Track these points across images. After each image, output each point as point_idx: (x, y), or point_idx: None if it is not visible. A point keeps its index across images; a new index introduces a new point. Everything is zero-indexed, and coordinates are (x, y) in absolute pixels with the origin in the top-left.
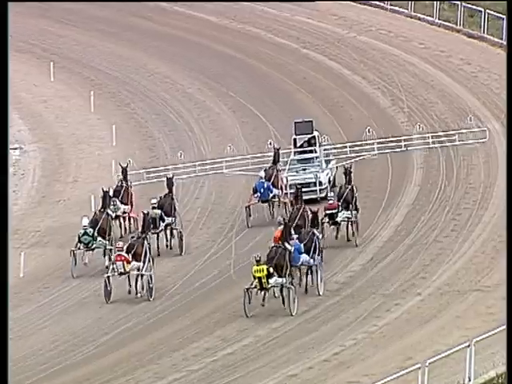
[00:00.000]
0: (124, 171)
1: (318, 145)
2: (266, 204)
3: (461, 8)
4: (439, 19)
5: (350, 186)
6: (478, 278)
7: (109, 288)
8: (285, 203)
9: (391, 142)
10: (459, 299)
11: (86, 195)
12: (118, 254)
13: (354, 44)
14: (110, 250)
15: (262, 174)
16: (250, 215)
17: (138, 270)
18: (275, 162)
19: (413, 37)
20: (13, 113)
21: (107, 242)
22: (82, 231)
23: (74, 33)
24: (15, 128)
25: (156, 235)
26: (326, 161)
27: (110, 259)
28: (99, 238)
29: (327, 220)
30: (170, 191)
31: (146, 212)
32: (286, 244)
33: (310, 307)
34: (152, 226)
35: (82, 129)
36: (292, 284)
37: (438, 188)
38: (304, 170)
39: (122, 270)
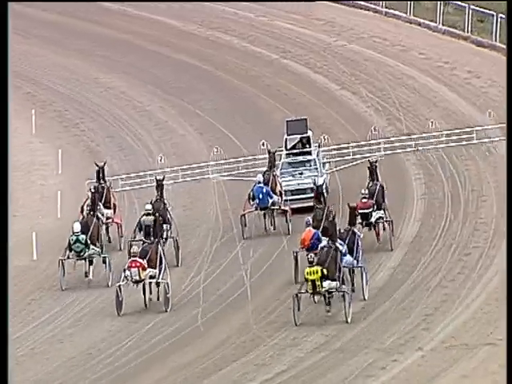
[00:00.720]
0: (101, 171)
1: (312, 146)
2: (261, 212)
3: (468, 11)
4: (443, 25)
5: (378, 183)
6: (489, 330)
7: (120, 298)
8: (285, 211)
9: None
10: (467, 355)
11: (27, 233)
12: (133, 260)
13: (344, 54)
14: (106, 258)
15: (260, 178)
16: (245, 225)
17: (154, 277)
18: (271, 166)
19: (412, 45)
20: None
21: (99, 250)
22: (74, 238)
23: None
24: None
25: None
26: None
27: (110, 268)
28: (92, 246)
29: (359, 221)
30: (162, 195)
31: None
32: (338, 244)
33: (290, 366)
34: (145, 234)
35: (21, 154)
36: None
37: (442, 222)
38: (300, 174)
39: (138, 278)
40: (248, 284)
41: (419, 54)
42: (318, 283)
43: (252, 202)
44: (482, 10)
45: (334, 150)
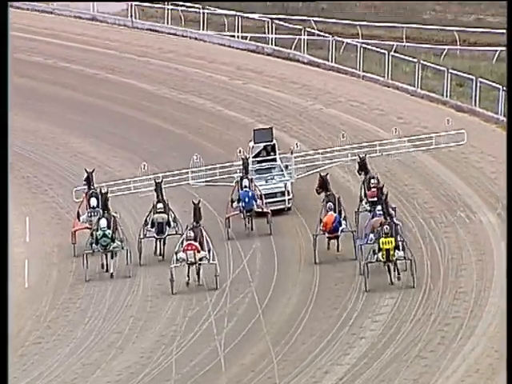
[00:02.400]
0: (90, 177)
1: (276, 153)
2: (246, 214)
3: (447, 75)
4: (422, 89)
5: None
6: None
7: (174, 279)
8: (267, 213)
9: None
10: None
11: None
12: (189, 243)
13: (320, 118)
14: (128, 250)
15: (246, 183)
16: (229, 226)
17: (206, 259)
18: (246, 172)
19: (390, 110)
20: None
21: (122, 244)
22: (101, 233)
23: None
24: None
25: (162, 240)
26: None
27: (130, 260)
28: (116, 241)
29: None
30: (162, 196)
31: (196, 202)
32: (394, 219)
33: None
34: (158, 231)
35: None
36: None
37: (421, 292)
38: (272, 178)
39: (193, 260)
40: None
41: (398, 118)
42: (391, 252)
43: (236, 205)
44: (461, 74)
45: (308, 155)
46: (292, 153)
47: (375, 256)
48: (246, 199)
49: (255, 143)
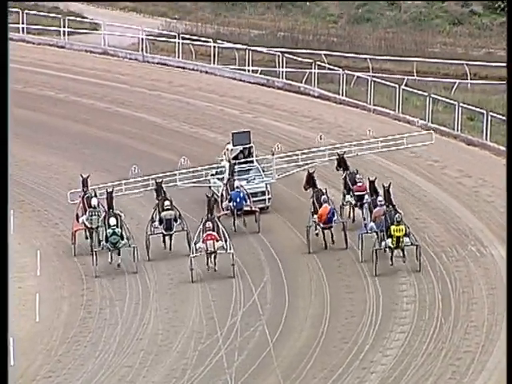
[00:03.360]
0: (85, 181)
1: (253, 155)
2: (237, 213)
3: (458, 109)
4: (432, 123)
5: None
6: None
7: (193, 269)
8: (255, 211)
9: None
10: None
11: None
12: (209, 234)
13: (332, 152)
14: (135, 247)
15: (238, 183)
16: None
17: (224, 248)
18: (232, 174)
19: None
20: None
21: (129, 241)
22: (111, 231)
23: None
24: None
25: (169, 236)
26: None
27: (137, 256)
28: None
29: (354, 202)
30: (165, 195)
31: (210, 195)
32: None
33: None
34: (166, 228)
35: None
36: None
37: (432, 326)
38: (254, 179)
39: (212, 249)
40: None
41: (409, 152)
42: (401, 239)
43: (227, 205)
44: (471, 108)
45: (287, 156)
46: (273, 154)
47: (383, 243)
48: (238, 199)
49: (234, 146)
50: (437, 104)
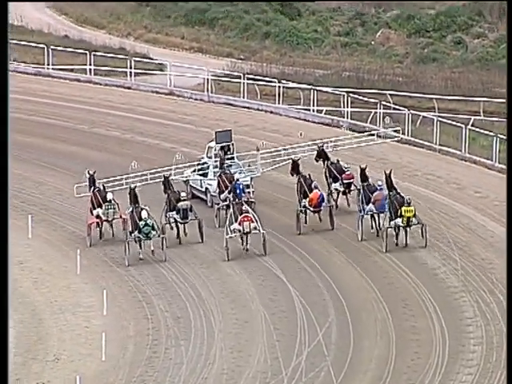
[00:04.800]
0: (92, 178)
1: (234, 152)
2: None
3: None
4: (499, 163)
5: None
6: None
7: (228, 247)
8: (253, 202)
9: None
10: None
11: (71, 377)
12: (246, 215)
13: None
14: (164, 237)
15: (237, 176)
16: (216, 216)
17: (256, 228)
18: (222, 167)
19: (467, 183)
20: None
21: (159, 232)
22: (143, 223)
23: (54, 178)
24: None
25: (183, 225)
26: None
27: (166, 246)
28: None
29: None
30: (173, 188)
31: (234, 181)
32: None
33: None
34: (183, 217)
35: (65, 295)
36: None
37: (499, 369)
38: (240, 173)
39: (248, 230)
40: None
41: (475, 192)
42: (411, 219)
43: (226, 196)
44: None
45: (270, 152)
46: (258, 150)
47: (392, 222)
48: (238, 191)
49: (217, 143)
50: (504, 144)
